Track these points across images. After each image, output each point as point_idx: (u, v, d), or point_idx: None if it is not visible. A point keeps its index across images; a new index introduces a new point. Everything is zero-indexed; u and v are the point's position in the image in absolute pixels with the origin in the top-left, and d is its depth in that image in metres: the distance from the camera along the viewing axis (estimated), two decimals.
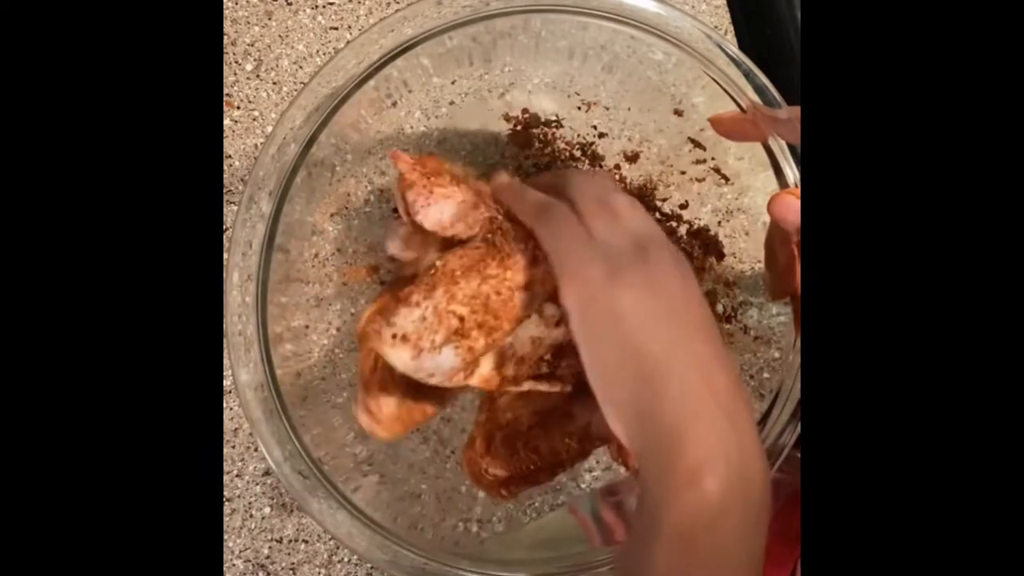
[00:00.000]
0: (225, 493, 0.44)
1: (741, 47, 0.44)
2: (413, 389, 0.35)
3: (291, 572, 0.44)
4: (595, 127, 0.45)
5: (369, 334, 0.31)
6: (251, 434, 0.44)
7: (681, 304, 0.28)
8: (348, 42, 0.43)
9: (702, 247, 0.44)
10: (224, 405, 0.45)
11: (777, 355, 0.41)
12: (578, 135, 0.45)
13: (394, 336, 0.30)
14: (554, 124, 0.45)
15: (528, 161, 0.45)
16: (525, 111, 0.44)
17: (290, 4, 0.48)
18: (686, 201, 0.45)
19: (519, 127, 0.45)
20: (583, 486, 0.44)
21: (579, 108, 0.45)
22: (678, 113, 0.43)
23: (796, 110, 0.34)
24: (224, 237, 0.45)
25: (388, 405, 0.35)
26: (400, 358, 0.30)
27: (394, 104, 0.42)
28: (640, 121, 0.45)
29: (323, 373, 0.42)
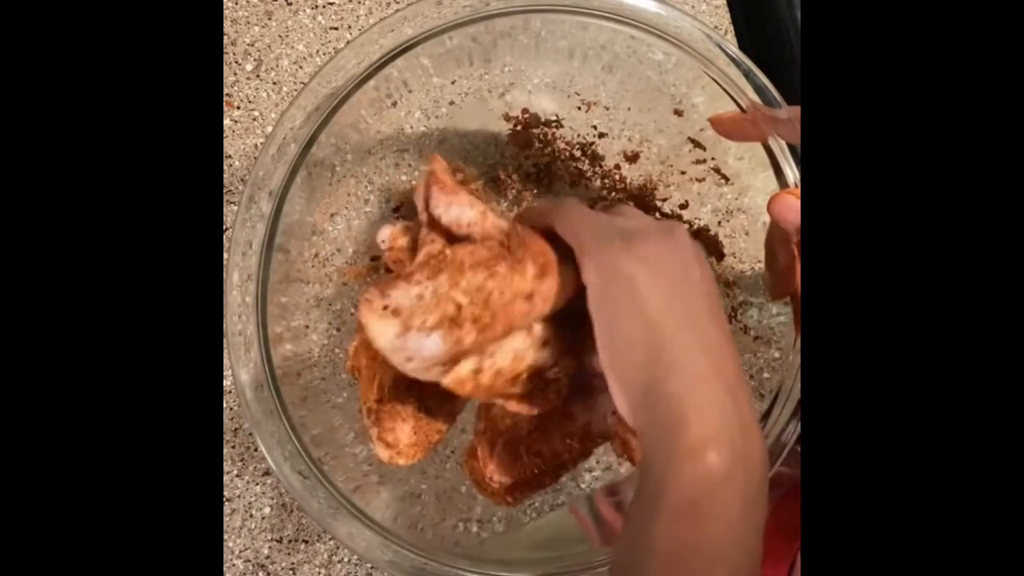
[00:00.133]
0: (225, 493, 0.44)
1: (741, 47, 0.44)
2: (424, 409, 0.35)
3: (291, 572, 0.44)
4: (595, 127, 0.45)
5: (361, 303, 0.31)
6: (251, 434, 0.44)
7: (698, 285, 0.29)
8: (348, 42, 0.43)
9: (702, 247, 0.44)
10: (224, 405, 0.45)
11: (777, 355, 0.41)
12: (578, 135, 0.45)
13: (385, 307, 0.30)
14: (554, 124, 0.45)
15: (528, 161, 0.45)
16: (525, 111, 0.44)
17: (290, 4, 0.48)
18: (686, 201, 0.45)
19: (519, 127, 0.45)
20: (583, 486, 0.44)
21: (579, 108, 0.45)
22: (678, 113, 0.43)
23: (796, 110, 0.34)
24: (224, 237, 0.45)
25: (405, 434, 0.35)
26: (384, 333, 0.30)
27: (394, 104, 0.42)
28: (640, 121, 0.45)
29: (323, 373, 0.42)
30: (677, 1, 0.47)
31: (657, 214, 0.45)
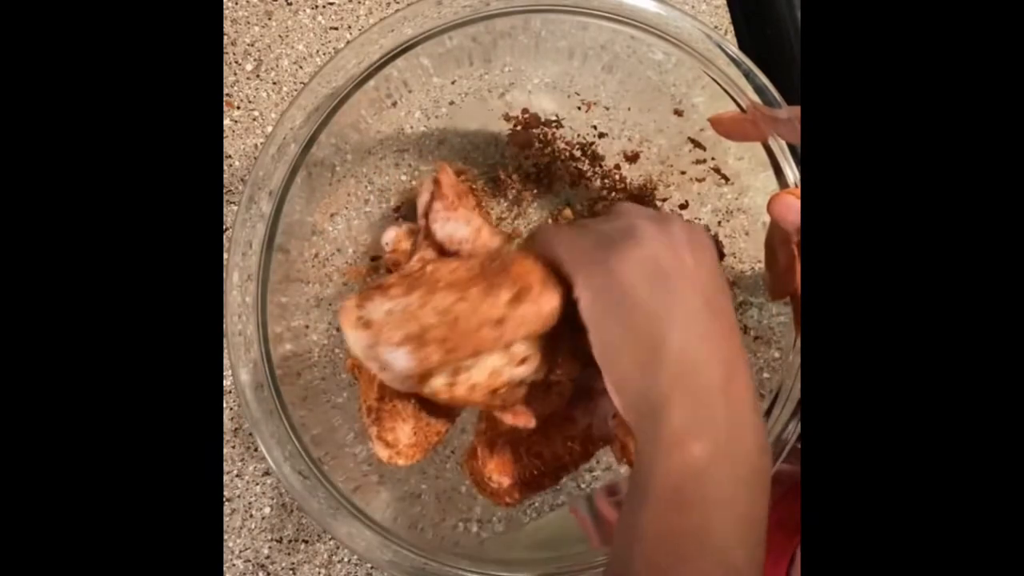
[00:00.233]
0: (225, 493, 0.44)
1: (741, 47, 0.44)
2: (425, 409, 0.35)
3: (291, 572, 0.44)
4: (595, 127, 0.45)
5: (340, 310, 0.32)
6: (251, 434, 0.44)
7: (691, 275, 0.29)
8: (348, 42, 0.43)
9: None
10: (224, 405, 0.45)
11: (777, 355, 0.41)
12: (578, 135, 0.45)
13: (359, 319, 0.31)
14: (554, 124, 0.45)
15: (528, 161, 0.45)
16: (525, 111, 0.44)
17: (290, 4, 0.48)
18: (686, 201, 0.45)
19: (519, 127, 0.45)
20: (583, 486, 0.44)
21: (579, 108, 0.45)
22: (678, 113, 0.43)
23: (796, 110, 0.34)
24: (224, 237, 0.45)
25: (405, 434, 0.35)
26: (357, 341, 0.31)
27: (394, 104, 0.42)
28: (640, 121, 0.45)
29: (323, 373, 0.42)
30: (677, 1, 0.47)
31: None
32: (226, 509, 0.44)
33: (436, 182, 0.36)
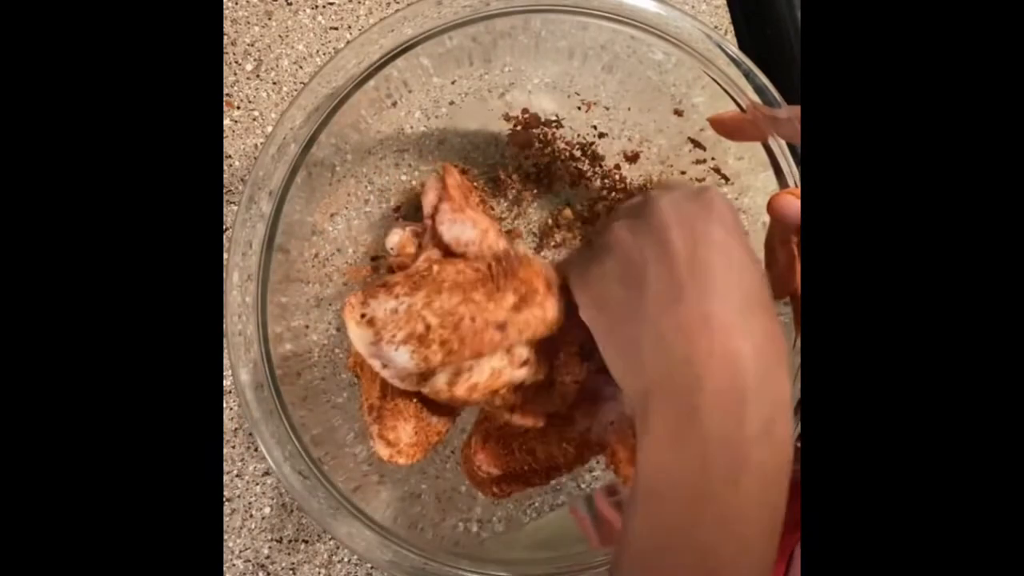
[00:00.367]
0: (225, 493, 0.44)
1: (741, 47, 0.44)
2: (426, 408, 0.35)
3: (291, 572, 0.44)
4: (595, 127, 0.45)
5: (344, 306, 0.32)
6: (251, 434, 0.44)
7: (700, 262, 0.27)
8: (348, 42, 0.43)
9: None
10: (224, 405, 0.45)
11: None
12: (578, 135, 0.45)
13: (363, 316, 0.31)
14: (554, 124, 0.45)
15: (528, 161, 0.45)
16: (525, 111, 0.44)
17: (290, 4, 0.48)
18: None
19: (519, 127, 0.44)
20: (583, 486, 0.44)
21: (579, 108, 0.45)
22: (678, 113, 0.43)
23: (796, 110, 0.34)
24: (224, 237, 0.45)
25: (406, 433, 0.35)
26: (360, 338, 0.31)
27: (394, 104, 0.42)
28: (640, 121, 0.45)
29: (323, 373, 0.42)
30: (677, 1, 0.47)
31: None
32: (226, 509, 0.44)
33: (443, 183, 0.36)
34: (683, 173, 0.45)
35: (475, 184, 0.44)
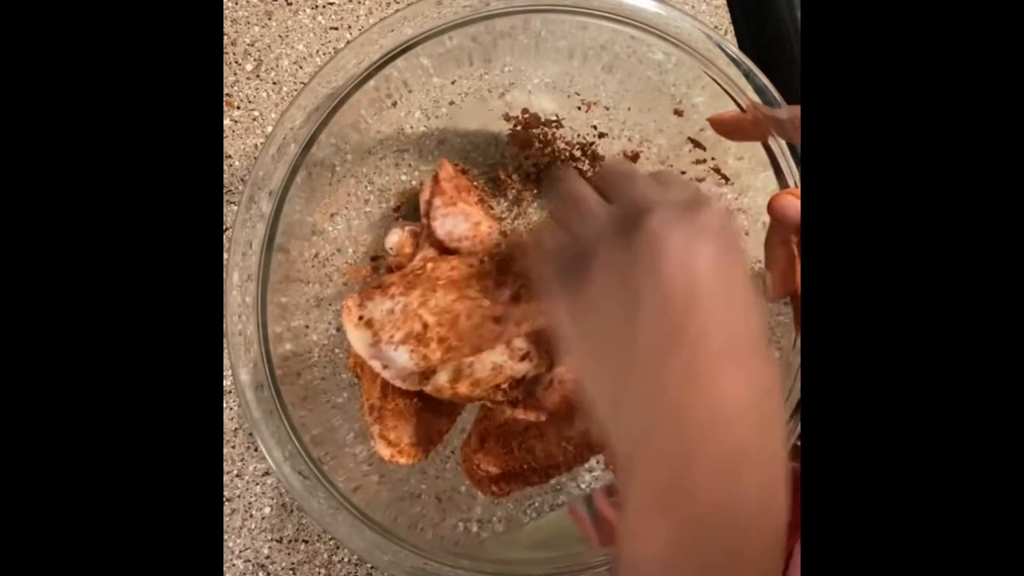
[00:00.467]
0: (225, 493, 0.44)
1: (741, 47, 0.44)
2: (427, 408, 0.35)
3: (291, 572, 0.44)
4: (595, 127, 0.45)
5: (342, 309, 0.32)
6: (251, 434, 0.44)
7: (659, 289, 0.24)
8: (348, 42, 0.43)
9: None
10: (224, 405, 0.45)
11: (777, 355, 0.41)
12: (578, 135, 0.45)
13: (360, 318, 0.31)
14: (554, 124, 0.45)
15: (528, 161, 0.45)
16: (525, 111, 0.44)
17: (290, 4, 0.48)
18: None
19: (519, 127, 0.45)
20: (583, 486, 0.44)
21: (579, 108, 0.45)
22: (678, 113, 0.43)
23: (796, 110, 0.34)
24: (224, 237, 0.45)
25: (407, 433, 0.35)
26: (359, 340, 0.31)
27: (394, 104, 0.42)
28: (640, 121, 0.45)
29: (323, 373, 0.41)
30: (677, 1, 0.47)
31: None
32: (226, 509, 0.44)
33: (435, 178, 0.36)
34: (683, 173, 0.45)
35: (475, 184, 0.44)
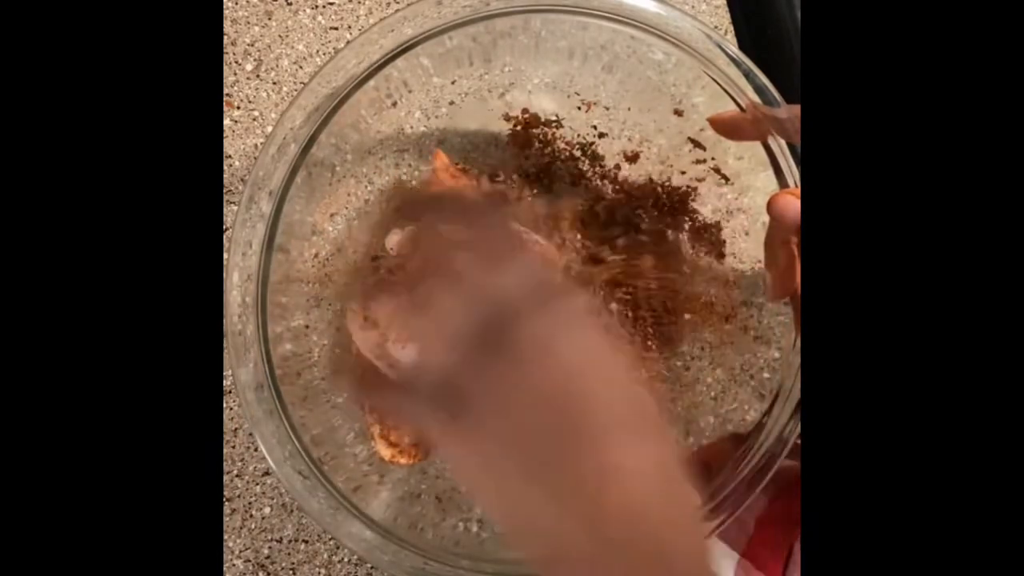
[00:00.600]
0: (225, 493, 0.44)
1: (741, 47, 0.44)
2: None
3: (291, 572, 0.44)
4: (595, 127, 0.45)
5: (346, 311, 0.31)
6: (251, 434, 0.44)
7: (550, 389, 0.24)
8: (348, 42, 0.43)
9: (704, 245, 0.44)
10: (224, 405, 0.45)
11: (777, 355, 0.41)
12: (578, 135, 0.45)
13: (365, 319, 0.31)
14: (554, 124, 0.45)
15: (528, 161, 0.45)
16: (525, 111, 0.44)
17: (290, 4, 0.48)
18: None
19: (519, 127, 0.45)
20: None
21: (579, 108, 0.45)
22: (678, 113, 0.43)
23: (796, 109, 0.34)
24: (224, 237, 0.45)
25: (407, 433, 0.35)
26: (365, 341, 0.31)
27: (394, 104, 0.42)
28: (640, 121, 0.45)
29: (323, 373, 0.41)
30: (677, 1, 0.47)
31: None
32: (226, 509, 0.44)
33: (432, 172, 0.36)
34: (683, 173, 0.45)
35: (466, 168, 0.44)
